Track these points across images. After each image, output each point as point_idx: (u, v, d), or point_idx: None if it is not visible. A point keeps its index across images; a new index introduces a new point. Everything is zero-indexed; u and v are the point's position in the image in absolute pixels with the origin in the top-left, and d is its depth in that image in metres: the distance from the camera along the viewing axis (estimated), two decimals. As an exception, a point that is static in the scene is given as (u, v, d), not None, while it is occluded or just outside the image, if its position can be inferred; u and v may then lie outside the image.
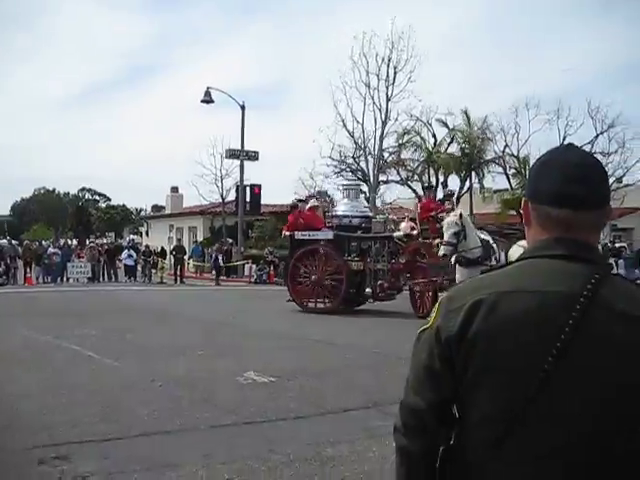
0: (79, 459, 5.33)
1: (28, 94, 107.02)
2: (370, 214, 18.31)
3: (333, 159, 37.41)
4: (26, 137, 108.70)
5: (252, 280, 30.68)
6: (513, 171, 37.23)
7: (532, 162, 1.76)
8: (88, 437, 5.88)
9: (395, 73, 34.42)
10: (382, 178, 37.21)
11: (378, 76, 34.61)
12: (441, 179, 38.52)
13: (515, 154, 37.57)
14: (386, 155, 36.81)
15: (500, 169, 37.88)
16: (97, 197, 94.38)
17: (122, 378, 8.46)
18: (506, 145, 37.74)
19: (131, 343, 11.54)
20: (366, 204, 17.96)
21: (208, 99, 33.22)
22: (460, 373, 1.55)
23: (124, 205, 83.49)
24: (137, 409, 6.85)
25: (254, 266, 31.32)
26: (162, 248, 35.05)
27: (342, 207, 17.85)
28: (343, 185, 18.09)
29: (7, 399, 7.25)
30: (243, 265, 32.28)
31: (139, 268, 33.67)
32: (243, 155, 33.91)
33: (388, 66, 34.35)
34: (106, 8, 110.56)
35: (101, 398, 7.32)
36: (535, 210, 1.63)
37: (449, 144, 37.16)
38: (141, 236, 51.39)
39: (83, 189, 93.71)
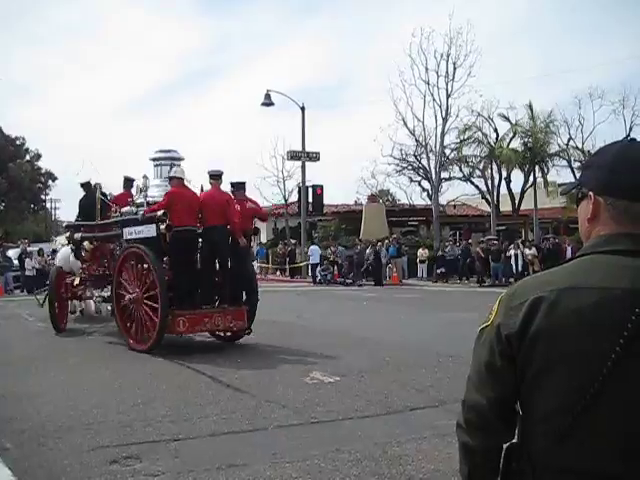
0: (150, 458, 5.45)
1: (91, 100, 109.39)
2: None
3: (394, 157, 37.38)
4: (89, 143, 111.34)
5: (317, 280, 30.74)
6: (578, 164, 36.43)
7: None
8: (159, 437, 6.02)
9: (455, 69, 34.09)
10: (444, 175, 36.90)
11: (437, 72, 34.35)
12: (504, 174, 38.03)
13: (580, 147, 36.79)
14: (448, 152, 36.48)
15: (565, 162, 37.16)
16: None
17: (190, 378, 8.63)
18: (570, 138, 37.07)
19: (198, 343, 11.75)
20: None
21: (268, 102, 33.48)
22: (522, 370, 1.55)
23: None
24: (206, 409, 6.97)
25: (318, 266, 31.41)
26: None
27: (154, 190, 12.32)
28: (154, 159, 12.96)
29: (81, 398, 7.46)
30: (307, 265, 32.39)
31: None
32: (304, 156, 34.10)
33: (447, 62, 34.06)
34: (161, 14, 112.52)
35: (171, 398, 7.47)
36: (610, 205, 1.60)
37: (511, 139, 36.52)
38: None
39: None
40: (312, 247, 32.53)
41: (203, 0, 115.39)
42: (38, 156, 60.44)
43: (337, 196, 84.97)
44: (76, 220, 14.09)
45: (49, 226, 65.09)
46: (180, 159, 12.62)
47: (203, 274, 11.43)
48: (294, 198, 38.26)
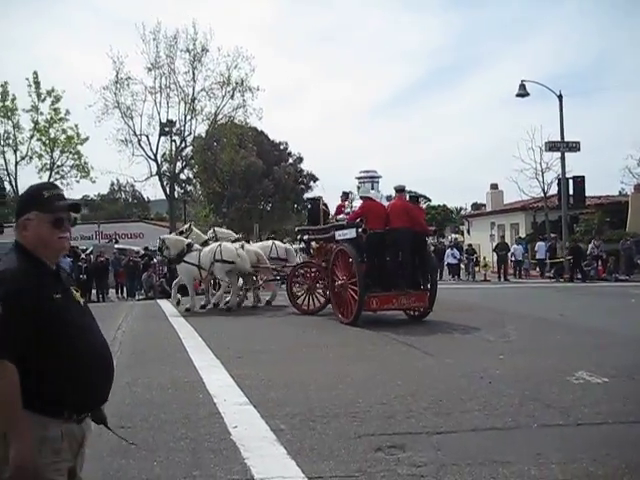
0: (413, 449, 5.55)
1: (342, 103, 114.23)
2: None
3: (664, 143, 34.36)
4: (343, 143, 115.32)
5: (577, 276, 29.25)
6: None
7: None
8: (421, 429, 6.12)
9: None
10: None
11: None
12: None
13: None
14: None
15: None
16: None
17: (450, 373, 8.65)
18: None
19: (460, 340, 11.74)
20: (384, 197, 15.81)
21: (523, 92, 32.47)
22: None
23: (444, 205, 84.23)
24: (467, 404, 6.95)
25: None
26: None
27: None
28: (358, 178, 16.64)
29: (345, 388, 7.80)
30: (569, 261, 30.92)
31: (462, 266, 34.09)
32: (563, 147, 32.55)
33: None
34: (406, 13, 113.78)
35: (433, 392, 7.54)
36: None
37: None
38: (462, 235, 51.78)
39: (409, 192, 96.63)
40: (539, 243, 31.95)
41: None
42: (300, 159, 64.16)
43: (599, 187, 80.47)
44: (306, 225, 18.90)
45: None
46: (378, 177, 16.41)
47: (391, 265, 14.33)
48: (553, 191, 36.74)
